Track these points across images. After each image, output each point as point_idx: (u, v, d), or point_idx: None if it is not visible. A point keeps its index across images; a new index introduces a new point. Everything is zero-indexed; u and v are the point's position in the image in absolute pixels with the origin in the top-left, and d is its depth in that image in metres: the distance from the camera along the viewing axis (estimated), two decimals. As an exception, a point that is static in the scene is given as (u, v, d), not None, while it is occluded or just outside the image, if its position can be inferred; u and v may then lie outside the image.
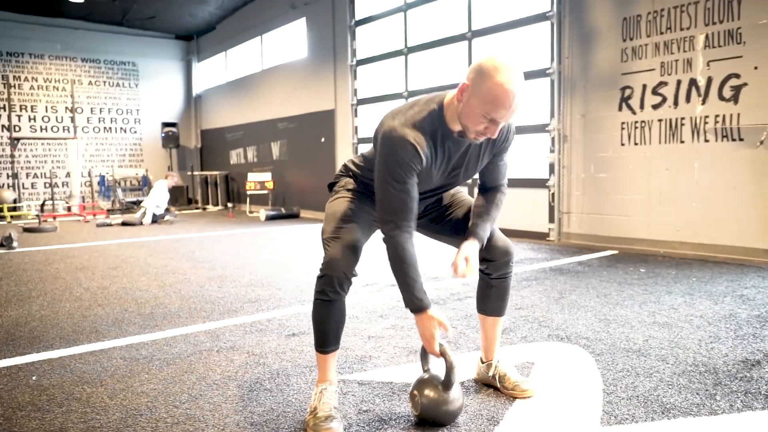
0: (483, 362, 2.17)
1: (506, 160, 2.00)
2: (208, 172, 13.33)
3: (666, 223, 5.25)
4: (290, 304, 3.51)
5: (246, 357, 2.53)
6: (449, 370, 1.79)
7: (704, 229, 4.99)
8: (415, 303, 1.78)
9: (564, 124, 6.01)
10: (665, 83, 5.19)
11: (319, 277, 1.83)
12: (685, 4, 5.02)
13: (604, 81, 5.65)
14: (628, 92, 5.47)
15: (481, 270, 2.05)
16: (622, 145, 5.56)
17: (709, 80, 4.89)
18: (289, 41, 10.55)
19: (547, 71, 6.05)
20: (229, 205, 12.10)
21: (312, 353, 2.55)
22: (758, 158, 4.64)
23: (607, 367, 2.32)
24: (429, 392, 1.81)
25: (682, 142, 5.12)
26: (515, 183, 6.35)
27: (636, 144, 5.45)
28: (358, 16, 8.77)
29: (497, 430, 1.80)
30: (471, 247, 1.87)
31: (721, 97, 4.83)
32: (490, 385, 2.14)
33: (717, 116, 4.86)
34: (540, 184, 6.23)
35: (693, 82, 5.01)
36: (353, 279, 1.85)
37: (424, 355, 1.93)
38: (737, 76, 4.72)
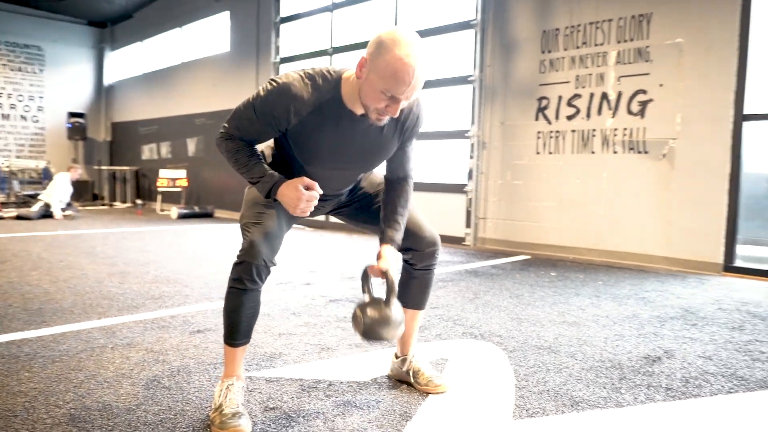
0: (397, 357, 2.11)
1: (414, 146, 1.92)
2: (118, 167, 12.62)
3: (575, 229, 5.45)
4: (197, 301, 3.32)
5: (144, 354, 2.34)
6: (390, 285, 1.77)
7: (610, 237, 5.22)
8: (264, 181, 1.71)
9: (483, 131, 6.13)
10: (579, 95, 5.40)
11: (237, 264, 1.70)
12: (600, 21, 5.25)
13: (523, 90, 5.81)
14: (544, 102, 5.65)
15: (405, 260, 2.00)
16: (538, 153, 5.73)
17: (619, 95, 5.14)
18: (211, 35, 10.19)
19: (469, 78, 6.15)
20: (139, 202, 11.49)
21: (217, 350, 2.40)
22: (661, 170, 4.90)
23: (519, 363, 2.33)
24: (371, 310, 1.77)
25: (592, 152, 5.33)
26: (434, 188, 6.43)
27: (550, 153, 5.63)
28: (283, 13, 8.60)
29: (409, 425, 1.74)
30: (389, 253, 1.81)
31: (630, 112, 5.08)
32: (403, 381, 2.08)
33: (625, 129, 5.11)
34: (458, 189, 6.31)
35: (604, 96, 5.24)
36: (272, 269, 1.73)
37: (365, 277, 1.87)
38: (644, 92, 4.98)
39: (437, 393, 1.98)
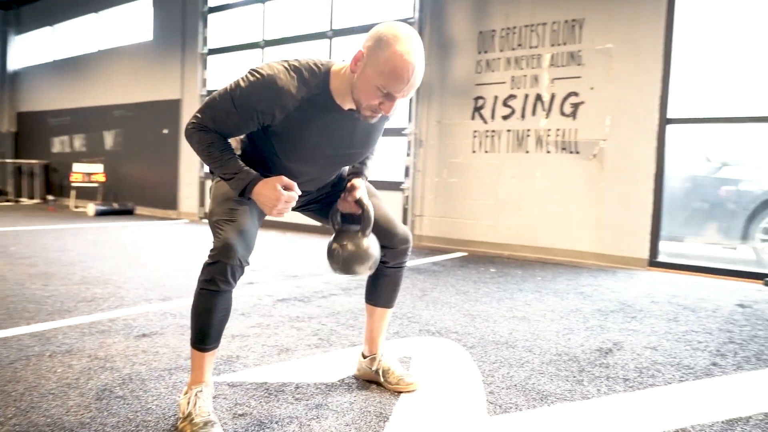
0: (366, 356, 2.06)
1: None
2: (24, 160, 11.72)
3: (510, 227, 5.60)
4: (135, 303, 3.12)
5: (88, 361, 2.16)
6: (366, 213, 1.77)
7: (543, 234, 5.40)
8: (240, 176, 1.60)
9: (421, 129, 6.17)
10: (514, 96, 5.55)
11: (209, 264, 1.59)
12: (535, 25, 5.41)
13: (460, 90, 5.90)
14: (480, 102, 5.76)
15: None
16: (474, 152, 5.83)
17: (553, 96, 5.32)
18: (131, 22, 9.66)
19: (406, 76, 6.16)
20: (50, 198, 10.74)
21: (169, 355, 2.25)
22: (591, 170, 5.12)
23: (481, 359, 2.34)
24: (348, 242, 1.76)
25: (527, 152, 5.49)
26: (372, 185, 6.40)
27: (486, 152, 5.75)
28: (211, 3, 8.29)
29: (389, 426, 1.70)
30: (361, 182, 1.85)
31: (562, 113, 5.27)
32: (372, 381, 2.04)
33: (558, 130, 5.30)
34: (395, 186, 6.32)
35: (539, 97, 5.40)
36: (246, 269, 1.64)
37: (334, 213, 1.87)
38: (576, 94, 5.18)
39: (409, 392, 1.95)
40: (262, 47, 7.60)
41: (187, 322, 2.75)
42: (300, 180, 1.72)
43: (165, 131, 8.88)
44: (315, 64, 1.62)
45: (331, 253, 1.80)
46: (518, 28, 5.51)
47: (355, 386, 2.01)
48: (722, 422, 1.79)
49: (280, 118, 1.59)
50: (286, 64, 1.59)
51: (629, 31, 4.91)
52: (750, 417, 1.83)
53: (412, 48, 1.48)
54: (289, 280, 3.89)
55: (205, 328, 1.65)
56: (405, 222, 6.25)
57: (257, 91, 1.55)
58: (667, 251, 5.09)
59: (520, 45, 5.50)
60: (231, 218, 1.64)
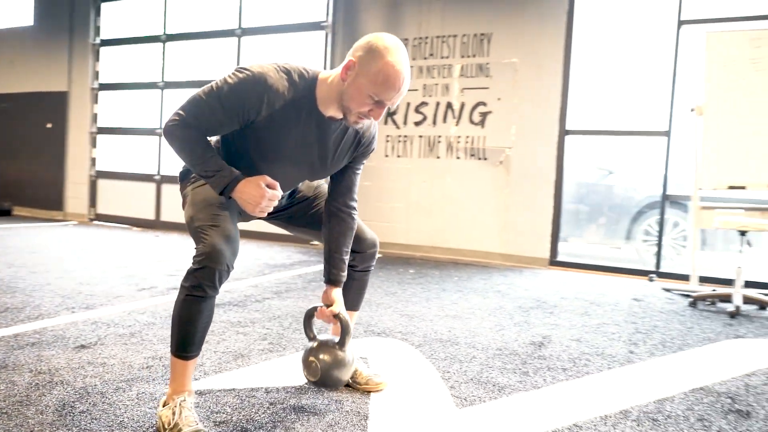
0: (330, 360, 2.10)
1: (360, 171, 1.94)
2: None
3: (422, 230, 5.82)
4: (57, 313, 2.91)
5: (32, 377, 2.01)
6: (345, 327, 1.79)
7: (453, 236, 5.67)
8: (222, 174, 1.59)
9: (333, 132, 6.22)
10: (426, 103, 5.78)
11: (195, 270, 1.57)
12: (446, 36, 5.67)
13: (373, 95, 6.02)
14: (394, 108, 5.93)
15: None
16: (386, 156, 5.99)
17: (462, 105, 5.61)
18: (6, 3, 8.80)
19: (319, 79, 6.19)
20: None
21: (119, 366, 2.16)
22: (498, 176, 5.46)
23: (431, 357, 2.47)
24: (325, 355, 1.78)
25: (438, 157, 5.74)
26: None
27: (399, 156, 5.93)
28: (104, -9, 7.79)
29: (371, 424, 1.76)
30: (339, 295, 1.88)
31: (472, 121, 5.57)
32: (338, 382, 2.09)
33: (467, 137, 5.59)
34: (308, 188, 6.32)
35: (449, 106, 5.67)
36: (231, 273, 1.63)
37: (308, 322, 1.88)
38: (484, 104, 5.51)
39: (378, 391, 2.03)
40: (164, 41, 7.27)
41: (124, 330, 2.63)
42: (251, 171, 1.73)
43: (49, 125, 8.19)
44: (304, 69, 1.66)
45: (308, 366, 1.80)
46: (430, 38, 5.75)
47: (309, 392, 2.05)
48: (654, 402, 2.04)
49: (264, 115, 1.61)
50: (276, 65, 1.62)
51: (533, 48, 5.30)
52: (674, 396, 2.10)
53: (401, 58, 1.57)
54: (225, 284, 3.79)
55: (189, 336, 1.62)
56: (318, 224, 6.26)
57: (247, 86, 1.56)
58: (563, 251, 5.56)
59: (432, 54, 5.74)
60: (215, 223, 1.63)
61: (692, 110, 4.30)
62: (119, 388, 1.95)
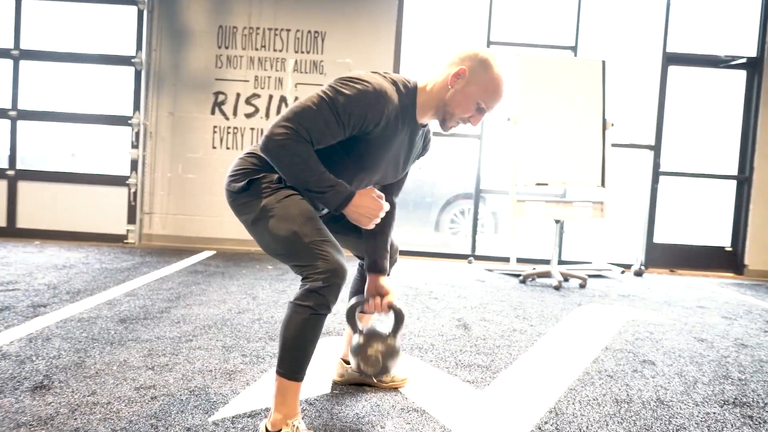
0: (349, 362, 2.14)
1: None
2: None
3: (255, 223, 5.71)
4: (-77, 351, 2.26)
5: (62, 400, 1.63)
6: (400, 316, 1.89)
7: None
8: (340, 189, 1.59)
9: (150, 120, 5.68)
10: (258, 95, 5.67)
11: (322, 288, 1.52)
12: (279, 29, 5.64)
13: (197, 83, 5.67)
14: (221, 98, 5.68)
15: (362, 266, 2.07)
16: (214, 147, 5.71)
17: (296, 100, 5.64)
18: None
19: (132, 60, 5.57)
20: None
21: (107, 405, 1.86)
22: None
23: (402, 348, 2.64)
24: (383, 347, 1.87)
25: (271, 150, 5.70)
26: (88, 179, 5.61)
27: (228, 148, 5.71)
28: None
29: (434, 413, 1.90)
30: (390, 284, 1.94)
31: (306, 116, 5.66)
32: (360, 383, 2.14)
33: (302, 132, 5.67)
34: (120, 182, 5.66)
35: (283, 99, 5.67)
36: None
37: (352, 316, 1.92)
38: (319, 100, 5.64)
39: (404, 386, 2.15)
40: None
41: (78, 358, 2.21)
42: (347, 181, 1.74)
43: None
44: (406, 80, 1.73)
45: (367, 359, 1.86)
46: (262, 30, 5.65)
47: (350, 391, 2.09)
48: (592, 362, 2.57)
49: (381, 127, 1.63)
50: (384, 76, 1.66)
51: (366, 49, 5.63)
52: (598, 356, 2.67)
53: (505, 71, 1.72)
54: (87, 299, 3.28)
55: (308, 356, 1.58)
56: (133, 221, 5.67)
57: (368, 99, 1.57)
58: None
59: (264, 46, 5.65)
60: (326, 238, 1.60)
61: (508, 119, 5.14)
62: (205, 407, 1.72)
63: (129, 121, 5.63)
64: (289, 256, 1.64)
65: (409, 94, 1.71)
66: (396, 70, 5.62)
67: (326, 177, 1.58)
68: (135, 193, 5.67)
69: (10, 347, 2.33)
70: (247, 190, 1.70)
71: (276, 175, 1.69)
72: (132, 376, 2.08)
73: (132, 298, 3.33)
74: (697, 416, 2.01)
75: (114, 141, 5.77)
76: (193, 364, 2.25)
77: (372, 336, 1.90)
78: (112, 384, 1.99)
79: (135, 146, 5.65)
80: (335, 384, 2.15)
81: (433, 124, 1.89)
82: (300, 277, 1.61)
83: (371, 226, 1.67)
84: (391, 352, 1.89)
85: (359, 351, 1.89)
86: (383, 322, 2.19)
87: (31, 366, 2.12)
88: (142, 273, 4.12)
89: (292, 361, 1.57)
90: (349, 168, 1.71)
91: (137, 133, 5.64)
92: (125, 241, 5.68)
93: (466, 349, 2.68)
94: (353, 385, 2.15)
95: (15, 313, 2.86)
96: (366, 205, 1.62)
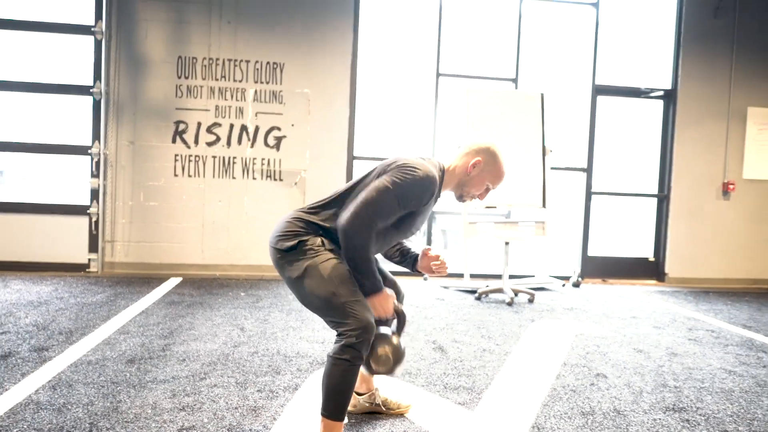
0: (361, 394, 2.46)
1: None
2: None
3: (219, 248, 5.90)
4: (-46, 405, 2.40)
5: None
6: (402, 316, 2.14)
7: (253, 252, 5.93)
8: (376, 285, 2.00)
9: (110, 149, 5.73)
10: (219, 124, 5.85)
11: (356, 343, 1.87)
12: (238, 60, 5.84)
13: (158, 112, 5.78)
14: (182, 126, 5.81)
15: None
16: (176, 175, 5.84)
17: (257, 128, 5.89)
18: None
19: (90, 89, 5.61)
20: None
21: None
22: (294, 196, 5.95)
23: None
24: (390, 346, 2.05)
25: (234, 177, 5.90)
26: (47, 209, 5.61)
27: (190, 176, 5.85)
28: None
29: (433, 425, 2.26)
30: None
31: (267, 144, 5.90)
32: (370, 412, 2.47)
33: (263, 159, 5.91)
34: (80, 211, 5.68)
35: (244, 128, 5.88)
36: None
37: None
38: (279, 128, 5.90)
39: (408, 412, 2.50)
40: None
41: (110, 403, 2.41)
42: (385, 244, 2.15)
43: None
44: (439, 164, 2.15)
45: (378, 360, 2.06)
46: (222, 60, 5.83)
47: (364, 419, 2.41)
48: (551, 379, 3.01)
49: (427, 203, 2.05)
50: (428, 163, 2.07)
51: (323, 80, 5.93)
52: (560, 373, 3.12)
53: (506, 159, 2.23)
54: (83, 339, 3.42)
55: (347, 399, 1.91)
56: (95, 249, 5.70)
57: (424, 186, 1.99)
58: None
59: (224, 77, 5.83)
60: (357, 298, 1.93)
61: (458, 147, 5.57)
62: (210, 464, 1.98)
63: (89, 151, 5.66)
64: (325, 312, 1.97)
65: (441, 175, 2.14)
66: (352, 98, 5.96)
67: (375, 270, 1.97)
68: (96, 222, 5.71)
69: (39, 396, 2.50)
70: (295, 249, 2.00)
71: (319, 239, 2.01)
72: (169, 418, 2.32)
73: (126, 336, 3.49)
74: (647, 423, 2.48)
75: (73, 170, 5.77)
76: (217, 403, 2.51)
77: (378, 338, 2.10)
78: (155, 428, 2.23)
79: (95, 175, 5.69)
80: (349, 414, 2.47)
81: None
82: (335, 331, 1.95)
83: (378, 315, 2.04)
84: (398, 351, 2.11)
85: (369, 353, 2.11)
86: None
87: (71, 415, 2.32)
88: (121, 307, 4.25)
89: (336, 405, 1.90)
90: (390, 233, 2.09)
91: (97, 163, 5.69)
92: (87, 270, 5.71)
93: (448, 371, 3.06)
94: (365, 414, 2.48)
95: (21, 359, 2.99)
96: (385, 305, 2.03)
